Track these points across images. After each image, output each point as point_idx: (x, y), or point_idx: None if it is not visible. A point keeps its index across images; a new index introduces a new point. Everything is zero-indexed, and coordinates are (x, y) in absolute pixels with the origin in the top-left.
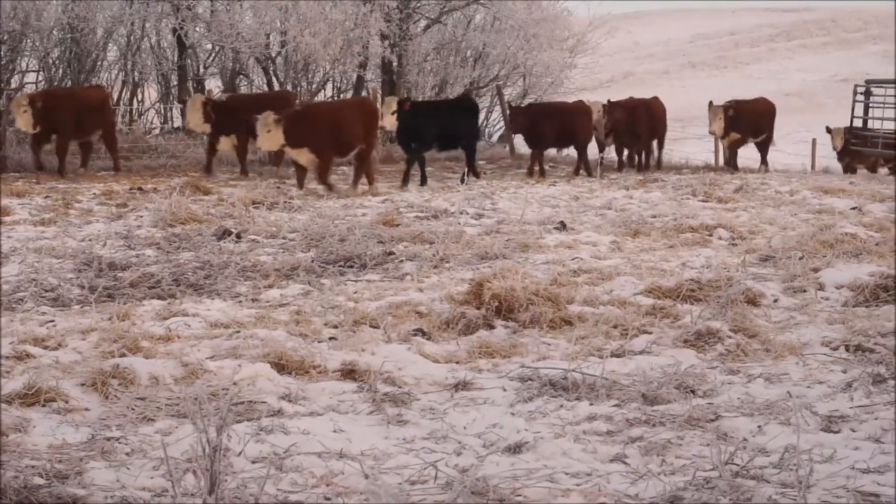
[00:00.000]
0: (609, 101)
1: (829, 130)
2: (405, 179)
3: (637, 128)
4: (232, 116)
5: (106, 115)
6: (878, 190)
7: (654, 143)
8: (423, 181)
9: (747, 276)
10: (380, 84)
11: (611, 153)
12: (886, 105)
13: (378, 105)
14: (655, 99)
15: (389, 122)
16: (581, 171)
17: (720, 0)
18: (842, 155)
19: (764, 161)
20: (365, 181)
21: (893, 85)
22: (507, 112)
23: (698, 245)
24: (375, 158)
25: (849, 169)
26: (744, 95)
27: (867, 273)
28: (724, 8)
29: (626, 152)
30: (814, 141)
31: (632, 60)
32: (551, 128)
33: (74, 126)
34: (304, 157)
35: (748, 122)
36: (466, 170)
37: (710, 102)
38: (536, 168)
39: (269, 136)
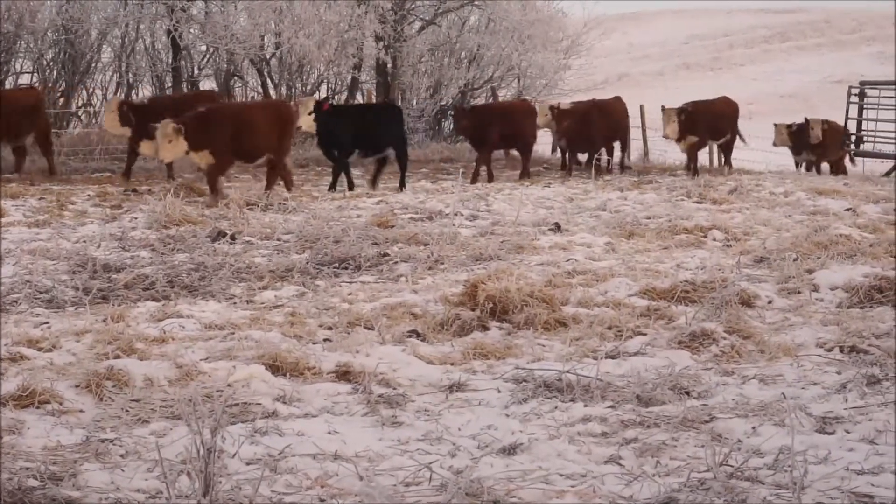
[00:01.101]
0: (559, 104)
1: (776, 126)
2: (349, 185)
3: (591, 131)
4: (155, 119)
5: (39, 118)
6: (873, 191)
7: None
8: (350, 186)
9: (742, 277)
10: (374, 85)
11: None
12: (881, 107)
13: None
14: (616, 99)
15: (306, 122)
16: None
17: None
18: (797, 150)
19: (727, 162)
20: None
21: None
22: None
23: (693, 246)
24: (289, 164)
25: (810, 167)
26: (738, 96)
27: (861, 274)
28: (719, 9)
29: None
30: None
31: (627, 61)
32: (496, 130)
33: (5, 129)
34: (204, 159)
35: (707, 123)
36: (402, 176)
37: (663, 107)
38: (483, 171)
39: (170, 146)
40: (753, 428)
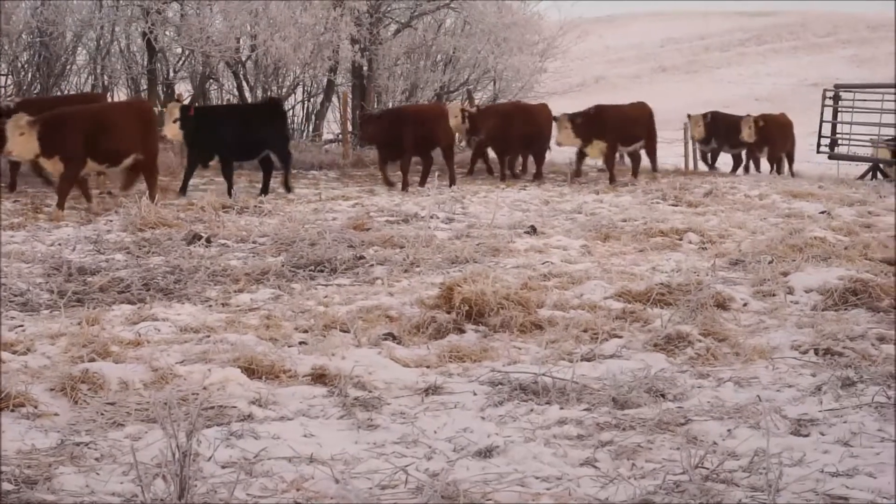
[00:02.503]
0: (477, 106)
1: (689, 117)
2: (229, 190)
3: (508, 134)
4: None
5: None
6: (847, 194)
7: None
8: (230, 191)
9: (717, 280)
10: (350, 88)
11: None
12: (855, 110)
13: (157, 109)
14: (541, 105)
15: (171, 131)
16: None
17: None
18: (705, 143)
19: (654, 168)
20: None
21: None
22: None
23: (668, 249)
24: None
25: (714, 159)
26: (714, 99)
27: (836, 277)
28: (695, 12)
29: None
30: None
31: (603, 64)
32: (409, 135)
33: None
34: (54, 166)
35: (616, 128)
36: (286, 181)
37: (557, 117)
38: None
39: (21, 140)
40: (729, 430)
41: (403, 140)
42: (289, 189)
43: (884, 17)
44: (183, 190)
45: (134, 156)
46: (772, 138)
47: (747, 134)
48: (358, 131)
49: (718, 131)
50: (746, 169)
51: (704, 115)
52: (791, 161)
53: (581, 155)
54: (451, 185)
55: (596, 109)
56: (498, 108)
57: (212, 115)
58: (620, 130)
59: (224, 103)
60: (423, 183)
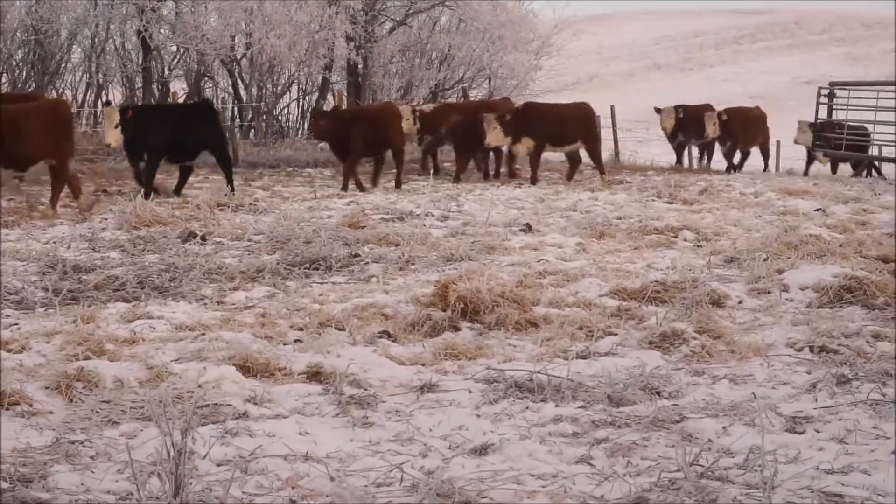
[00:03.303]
0: (420, 107)
1: (657, 110)
2: (147, 193)
3: (469, 132)
4: None
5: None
6: (842, 192)
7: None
8: (147, 194)
9: (712, 277)
10: (345, 86)
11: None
12: (850, 107)
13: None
14: (504, 100)
15: (113, 137)
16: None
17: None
18: (672, 137)
19: (600, 172)
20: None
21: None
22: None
23: (663, 247)
24: (72, 167)
25: (680, 153)
26: (708, 97)
27: (831, 274)
28: (689, 10)
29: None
30: (777, 143)
31: (597, 62)
32: (360, 135)
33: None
34: None
35: (547, 127)
36: (228, 181)
37: (485, 116)
38: (352, 183)
39: None
40: (724, 428)
41: (353, 140)
42: (232, 189)
43: (878, 15)
44: (147, 193)
45: (45, 161)
46: (735, 133)
47: (711, 129)
48: (309, 126)
49: (685, 125)
50: (709, 161)
51: (676, 109)
52: (766, 155)
53: (510, 154)
54: (397, 187)
55: (524, 106)
56: (456, 106)
57: (151, 116)
58: (550, 129)
59: (158, 104)
60: (374, 183)
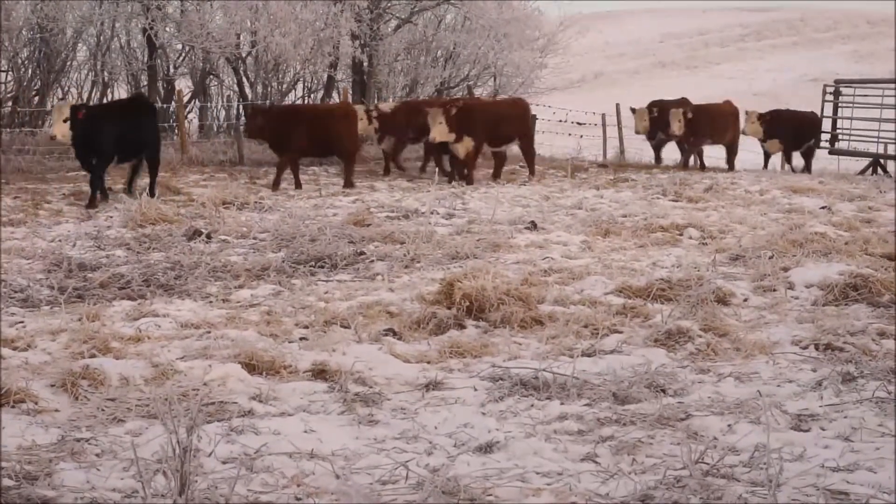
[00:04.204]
0: (377, 106)
1: (633, 111)
2: (91, 201)
3: (405, 135)
4: None
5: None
6: (848, 189)
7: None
8: (104, 198)
9: (717, 275)
10: (350, 84)
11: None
12: (856, 105)
13: None
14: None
15: (60, 130)
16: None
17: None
18: (651, 136)
19: (531, 172)
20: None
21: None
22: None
23: (668, 244)
24: None
25: (658, 151)
26: (713, 94)
27: (837, 272)
28: (695, 8)
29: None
30: None
31: (602, 60)
32: (302, 133)
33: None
34: None
35: (485, 125)
36: (152, 182)
37: (429, 111)
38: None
39: None
40: (729, 425)
41: (294, 138)
42: (153, 194)
43: (884, 12)
44: (97, 198)
45: None
46: (702, 130)
47: (676, 127)
48: (244, 123)
49: (661, 122)
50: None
51: (650, 108)
52: (731, 153)
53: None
54: (345, 188)
55: (465, 105)
56: (423, 104)
57: (99, 114)
58: (489, 128)
59: (109, 102)
60: (348, 185)
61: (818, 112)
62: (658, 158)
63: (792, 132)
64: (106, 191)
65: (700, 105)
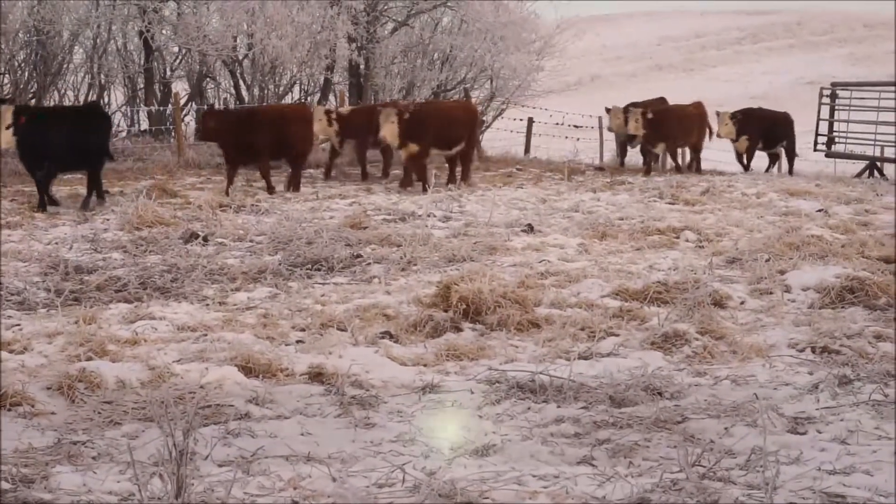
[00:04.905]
0: (336, 109)
1: (608, 110)
2: (41, 204)
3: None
4: None
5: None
6: (844, 192)
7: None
8: (43, 206)
9: (714, 278)
10: (347, 87)
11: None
12: (852, 108)
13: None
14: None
15: (4, 138)
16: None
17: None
18: (631, 137)
19: (465, 175)
20: None
21: (860, 88)
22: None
23: (665, 247)
24: None
25: (623, 153)
26: (710, 97)
27: (833, 275)
28: (691, 10)
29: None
30: None
31: (599, 63)
32: (257, 136)
33: None
34: None
35: (432, 128)
36: (88, 194)
37: (381, 109)
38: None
39: None
40: (726, 428)
41: (249, 141)
42: (86, 207)
43: (880, 15)
44: (42, 205)
45: None
46: (663, 131)
47: (633, 127)
48: (197, 126)
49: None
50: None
51: (625, 109)
52: (694, 156)
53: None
54: (287, 189)
55: (418, 109)
56: (381, 107)
57: (42, 119)
58: (436, 132)
59: (55, 107)
60: (295, 188)
61: (815, 114)
62: (622, 157)
63: (762, 132)
64: (49, 200)
65: (664, 106)
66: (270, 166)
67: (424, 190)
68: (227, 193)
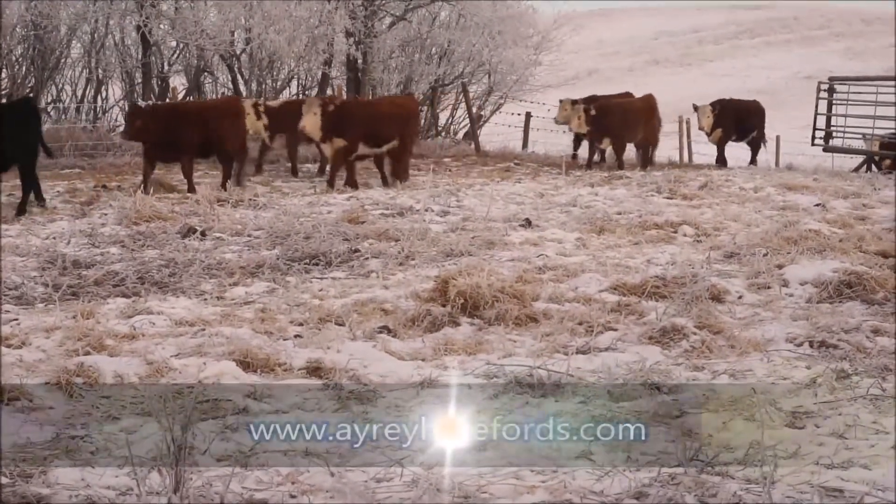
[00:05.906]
0: (264, 102)
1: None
2: (22, 207)
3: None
4: None
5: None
6: (842, 187)
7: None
8: (23, 208)
9: (712, 272)
10: (345, 81)
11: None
12: (850, 102)
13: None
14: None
15: None
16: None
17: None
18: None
19: (394, 173)
20: None
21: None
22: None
23: (663, 242)
24: None
25: (577, 147)
26: (707, 92)
27: (831, 269)
28: (689, 6)
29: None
30: (777, 138)
31: (596, 57)
32: (186, 133)
33: None
34: None
35: (359, 125)
36: (24, 196)
37: (305, 100)
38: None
39: None
40: (724, 423)
41: (182, 140)
42: (23, 212)
43: (878, 10)
44: (21, 210)
45: None
46: (609, 127)
47: (576, 124)
48: (123, 125)
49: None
50: (592, 158)
51: (573, 103)
52: (646, 153)
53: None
54: (223, 188)
55: (342, 103)
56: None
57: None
58: (365, 128)
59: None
60: (224, 186)
61: (812, 109)
62: (574, 149)
63: (734, 122)
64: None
65: (606, 102)
66: (195, 164)
67: (355, 188)
68: (145, 192)
